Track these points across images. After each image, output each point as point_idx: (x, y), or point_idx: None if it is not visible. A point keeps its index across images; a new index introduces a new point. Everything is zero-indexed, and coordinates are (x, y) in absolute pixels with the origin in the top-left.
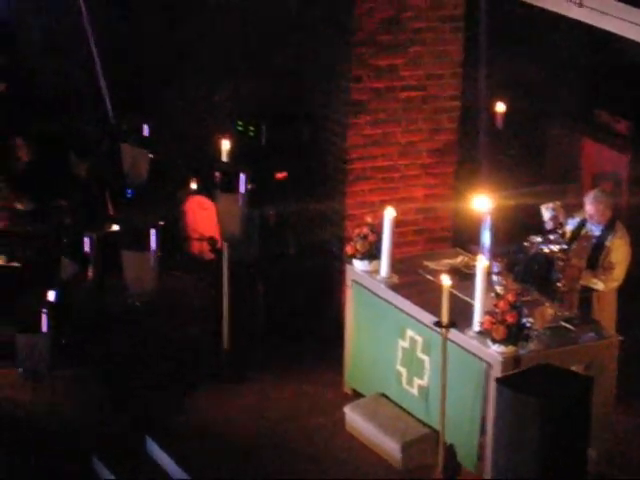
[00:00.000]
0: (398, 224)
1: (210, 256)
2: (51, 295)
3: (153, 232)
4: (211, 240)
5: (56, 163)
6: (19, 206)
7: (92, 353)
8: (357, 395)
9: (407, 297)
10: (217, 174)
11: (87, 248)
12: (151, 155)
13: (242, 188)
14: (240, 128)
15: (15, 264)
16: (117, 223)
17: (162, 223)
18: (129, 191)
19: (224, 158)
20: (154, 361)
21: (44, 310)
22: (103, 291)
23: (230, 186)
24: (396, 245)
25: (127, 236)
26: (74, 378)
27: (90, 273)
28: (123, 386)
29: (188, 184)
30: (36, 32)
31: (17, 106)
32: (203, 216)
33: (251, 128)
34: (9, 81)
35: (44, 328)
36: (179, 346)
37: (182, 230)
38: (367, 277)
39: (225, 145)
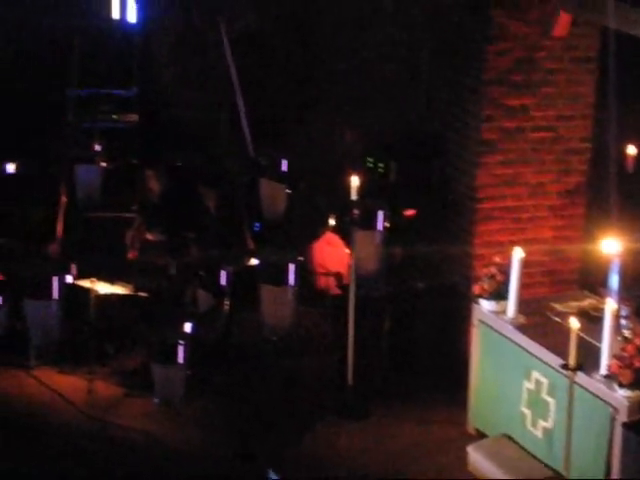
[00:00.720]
0: (526, 265)
1: (336, 291)
2: (187, 327)
3: (292, 267)
4: (337, 275)
5: (188, 195)
6: (150, 237)
7: (222, 385)
8: (481, 435)
9: (533, 338)
10: (355, 211)
11: (223, 281)
12: (289, 190)
13: (380, 225)
14: (370, 165)
15: (143, 294)
16: (256, 257)
17: (301, 259)
18: (257, 225)
19: (353, 195)
20: (280, 394)
21: (180, 342)
22: (238, 324)
23: (368, 223)
24: (523, 286)
25: (265, 270)
26: (203, 409)
27: (226, 306)
28: (248, 418)
29: (327, 220)
30: (170, 65)
31: (149, 137)
32: (330, 252)
33: (380, 165)
34: (141, 113)
35: (180, 359)
36: (304, 380)
37: (309, 265)
38: (494, 317)
39: (354, 182)
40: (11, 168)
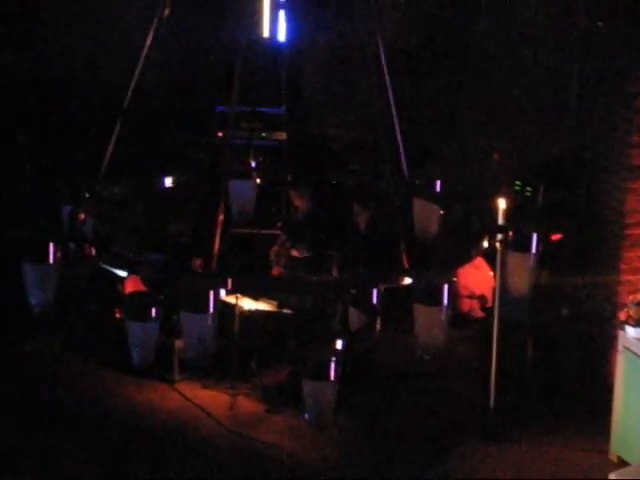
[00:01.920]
0: None
1: (480, 314)
2: (339, 344)
3: (446, 287)
4: (481, 298)
5: (336, 213)
6: (294, 253)
7: (368, 403)
8: (623, 463)
9: None
10: (510, 232)
11: (375, 299)
12: (441, 211)
13: (534, 248)
14: (517, 187)
15: (287, 311)
16: (410, 276)
17: (454, 279)
18: None
19: (500, 218)
20: (424, 414)
21: (333, 359)
22: (386, 342)
23: (522, 246)
24: None
25: (420, 290)
26: (347, 428)
27: (377, 325)
28: (391, 438)
29: (480, 242)
30: (319, 84)
31: (297, 155)
32: (475, 274)
33: (528, 188)
34: (289, 131)
35: (331, 377)
36: (448, 401)
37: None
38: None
39: (502, 205)
40: (168, 182)
